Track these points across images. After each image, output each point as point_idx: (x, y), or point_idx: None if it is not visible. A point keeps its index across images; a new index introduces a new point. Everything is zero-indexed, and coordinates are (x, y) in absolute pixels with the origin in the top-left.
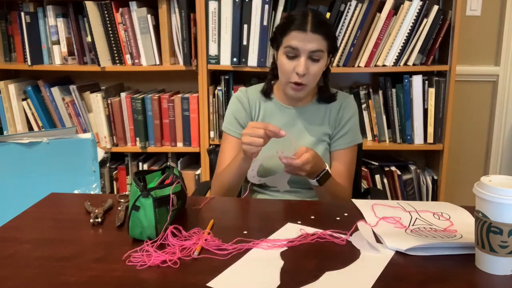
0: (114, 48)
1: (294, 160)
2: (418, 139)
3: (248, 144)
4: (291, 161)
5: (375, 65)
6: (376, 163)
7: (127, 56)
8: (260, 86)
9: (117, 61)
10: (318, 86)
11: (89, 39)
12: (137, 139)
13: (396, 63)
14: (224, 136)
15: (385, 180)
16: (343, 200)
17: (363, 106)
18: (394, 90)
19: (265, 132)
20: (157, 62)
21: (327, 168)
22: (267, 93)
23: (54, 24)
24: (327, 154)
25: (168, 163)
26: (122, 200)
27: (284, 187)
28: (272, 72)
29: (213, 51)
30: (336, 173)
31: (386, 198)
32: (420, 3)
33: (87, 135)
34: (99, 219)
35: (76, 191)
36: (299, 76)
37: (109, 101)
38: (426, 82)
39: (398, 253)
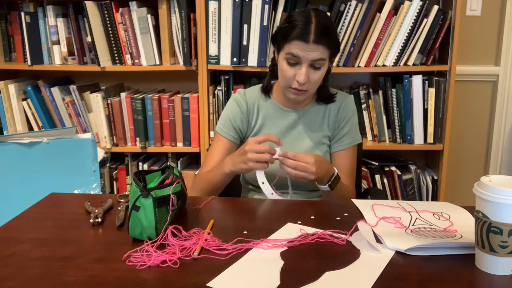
0: (114, 48)
1: (291, 153)
2: (418, 139)
3: (254, 161)
4: (289, 153)
5: (375, 65)
6: (376, 163)
7: (127, 56)
8: (258, 86)
9: (117, 61)
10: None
11: (89, 39)
12: (137, 139)
13: (396, 63)
14: (216, 136)
15: (385, 180)
16: (348, 200)
17: (363, 106)
18: (394, 90)
19: (270, 148)
20: (157, 62)
21: (337, 171)
22: (266, 91)
23: (54, 24)
24: (327, 156)
25: (168, 163)
26: (122, 200)
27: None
28: (272, 69)
29: (213, 51)
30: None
31: (386, 198)
32: (420, 3)
33: (87, 135)
34: (99, 219)
35: (76, 191)
36: (300, 84)
37: (109, 101)
38: (426, 82)
39: (398, 253)
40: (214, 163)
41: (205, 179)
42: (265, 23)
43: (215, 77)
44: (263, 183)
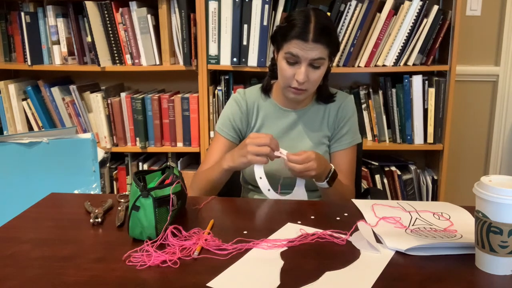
0: (114, 48)
1: (295, 157)
2: (418, 139)
3: (254, 154)
4: (293, 157)
5: (375, 65)
6: (376, 163)
7: (127, 56)
8: (258, 86)
9: (117, 61)
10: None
11: (89, 39)
12: (137, 139)
13: (396, 63)
14: (215, 135)
15: (385, 180)
16: (347, 200)
17: (363, 106)
18: (394, 90)
19: (270, 141)
20: (157, 62)
21: (334, 167)
22: (266, 91)
23: (54, 24)
24: (327, 156)
25: (168, 163)
26: (122, 200)
27: (303, 196)
28: (272, 69)
29: (213, 51)
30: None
31: (386, 198)
32: (420, 3)
33: (87, 135)
34: (99, 219)
35: (76, 191)
36: (299, 84)
37: (109, 101)
38: (426, 82)
39: (398, 253)
40: (213, 162)
41: (204, 176)
42: (265, 23)
43: (215, 77)
44: (260, 178)
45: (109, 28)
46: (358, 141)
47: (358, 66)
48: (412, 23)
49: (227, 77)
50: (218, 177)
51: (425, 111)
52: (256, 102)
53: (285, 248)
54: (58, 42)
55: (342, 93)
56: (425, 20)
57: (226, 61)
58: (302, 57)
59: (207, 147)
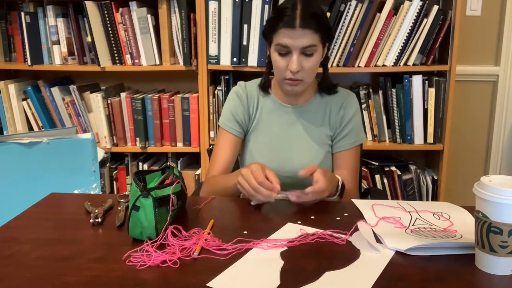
0: (114, 48)
1: (310, 193)
2: (418, 139)
3: (242, 187)
4: (308, 195)
5: (375, 65)
6: (376, 163)
7: (127, 56)
8: (259, 80)
9: (117, 61)
10: (317, 82)
11: (89, 39)
12: (137, 139)
13: (396, 63)
14: (220, 131)
15: (385, 180)
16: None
17: (363, 106)
18: (394, 90)
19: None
20: (157, 62)
21: (340, 179)
22: (265, 88)
23: (54, 24)
24: (329, 156)
25: (168, 163)
26: (122, 200)
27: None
28: (269, 65)
29: (213, 51)
30: (340, 175)
31: (386, 198)
32: (420, 3)
33: (87, 135)
34: (99, 219)
35: (76, 191)
36: (293, 73)
37: (109, 101)
38: (426, 82)
39: (398, 253)
40: (222, 159)
41: (217, 184)
42: (265, 23)
43: (215, 77)
44: None
45: (109, 28)
46: (361, 140)
47: (358, 66)
48: (412, 23)
49: (227, 77)
50: (229, 187)
51: (425, 111)
52: (256, 95)
53: (285, 248)
54: (58, 42)
55: (345, 90)
56: (425, 20)
57: (226, 61)
58: (292, 46)
59: (207, 147)
